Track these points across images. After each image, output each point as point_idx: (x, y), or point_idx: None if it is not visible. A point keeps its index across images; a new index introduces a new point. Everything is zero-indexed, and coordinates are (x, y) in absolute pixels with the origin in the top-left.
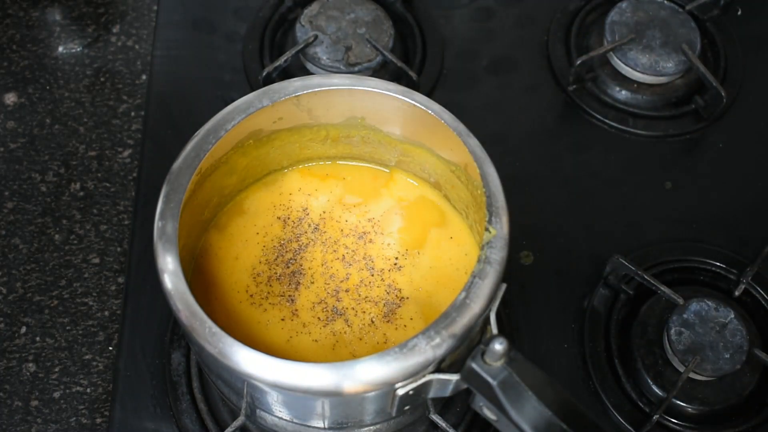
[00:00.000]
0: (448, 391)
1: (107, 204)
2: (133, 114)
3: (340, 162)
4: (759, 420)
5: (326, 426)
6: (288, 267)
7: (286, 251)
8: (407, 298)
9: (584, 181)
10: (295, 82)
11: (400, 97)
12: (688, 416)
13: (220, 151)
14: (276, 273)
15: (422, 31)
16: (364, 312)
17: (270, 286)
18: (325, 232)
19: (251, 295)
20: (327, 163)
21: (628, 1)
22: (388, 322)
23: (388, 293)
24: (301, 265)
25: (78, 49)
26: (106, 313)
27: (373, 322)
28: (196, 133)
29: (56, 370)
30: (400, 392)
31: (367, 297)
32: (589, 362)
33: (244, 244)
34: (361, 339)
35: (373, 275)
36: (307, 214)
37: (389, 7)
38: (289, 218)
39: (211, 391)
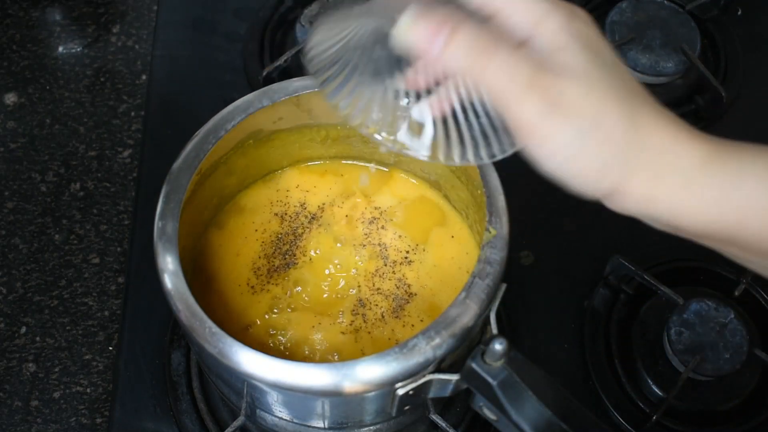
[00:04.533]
0: (448, 391)
1: (107, 204)
2: (133, 114)
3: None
4: (759, 420)
5: (326, 426)
6: (288, 267)
7: (284, 244)
8: (415, 294)
9: None
10: (295, 82)
11: None
12: (688, 416)
13: (220, 152)
14: (274, 265)
15: None
16: (376, 305)
17: (270, 285)
18: (329, 226)
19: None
20: (326, 162)
21: (628, 1)
22: (396, 318)
23: (398, 287)
24: (302, 264)
25: (78, 49)
26: (106, 313)
27: (383, 317)
28: (196, 133)
29: (56, 370)
30: (400, 392)
31: (379, 289)
32: (589, 362)
33: (243, 241)
34: (369, 333)
35: (386, 264)
36: (305, 208)
37: None
38: (286, 214)
39: (211, 391)
